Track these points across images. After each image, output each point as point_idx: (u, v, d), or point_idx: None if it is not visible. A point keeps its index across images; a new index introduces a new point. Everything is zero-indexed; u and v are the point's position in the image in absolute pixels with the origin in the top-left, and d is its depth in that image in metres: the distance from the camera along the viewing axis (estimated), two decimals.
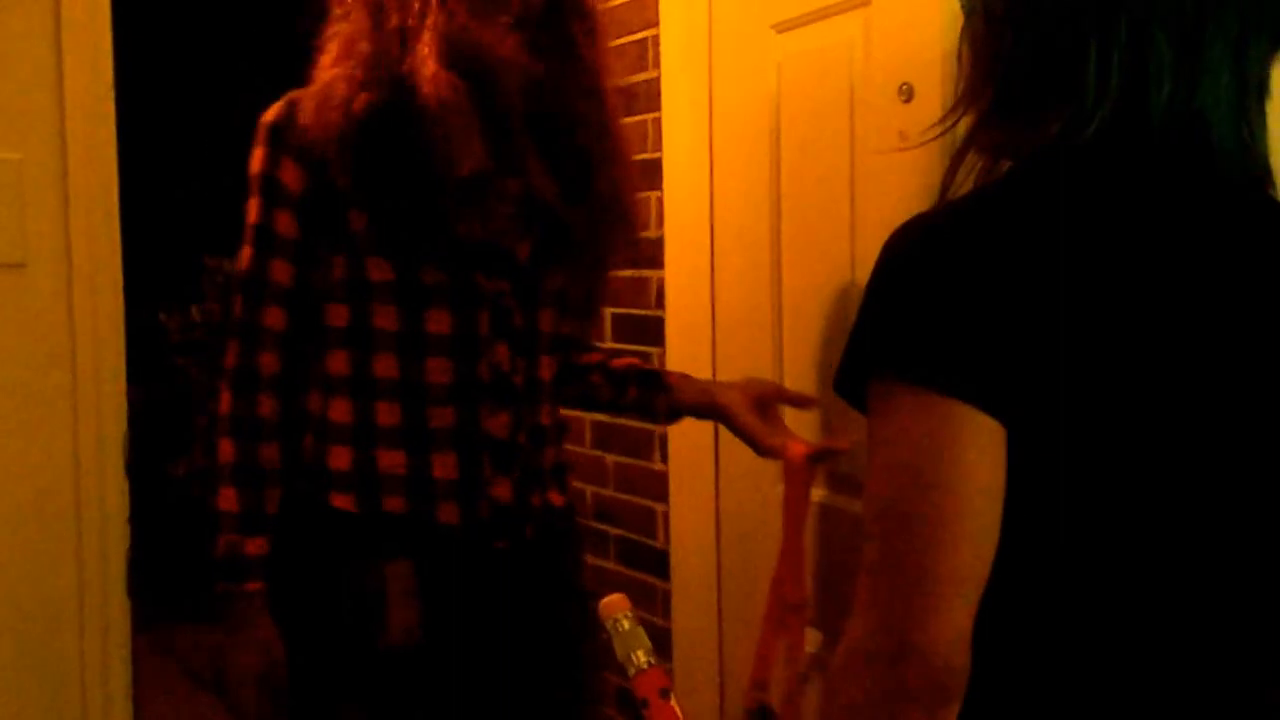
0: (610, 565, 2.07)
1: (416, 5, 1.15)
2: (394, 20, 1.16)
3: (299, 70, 1.27)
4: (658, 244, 1.93)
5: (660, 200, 1.92)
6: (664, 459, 1.93)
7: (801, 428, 1.44)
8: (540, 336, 1.28)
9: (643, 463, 1.99)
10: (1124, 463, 0.67)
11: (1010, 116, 0.73)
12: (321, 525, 1.23)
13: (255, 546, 1.20)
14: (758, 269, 1.67)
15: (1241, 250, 0.70)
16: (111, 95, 1.50)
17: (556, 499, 1.33)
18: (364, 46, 1.17)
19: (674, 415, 1.41)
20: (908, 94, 1.35)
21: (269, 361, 1.21)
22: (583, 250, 1.28)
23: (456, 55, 1.14)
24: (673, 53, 1.86)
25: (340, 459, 1.22)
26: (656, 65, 1.91)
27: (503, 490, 1.24)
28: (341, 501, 1.22)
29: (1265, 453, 0.70)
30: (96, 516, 1.49)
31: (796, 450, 1.25)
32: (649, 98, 1.93)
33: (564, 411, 1.42)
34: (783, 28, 1.59)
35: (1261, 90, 0.71)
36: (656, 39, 1.90)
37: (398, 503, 1.21)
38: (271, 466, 1.21)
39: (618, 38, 1.99)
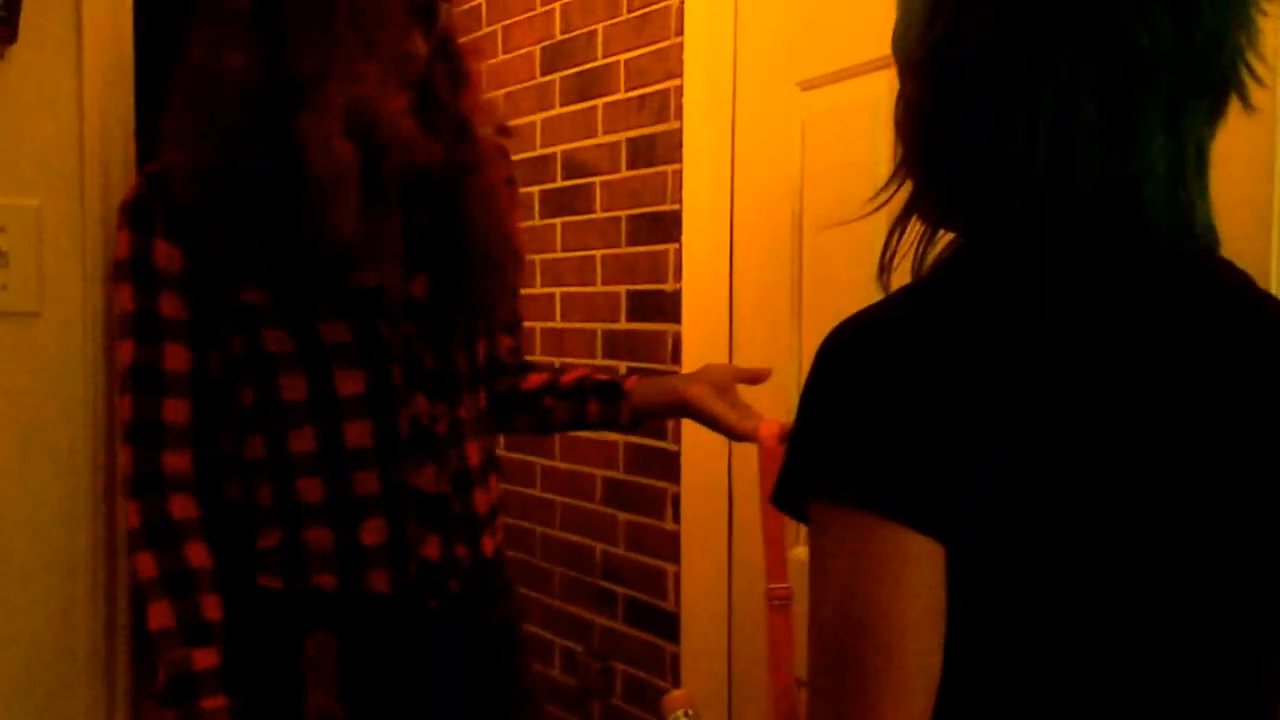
0: (618, 626, 2.03)
1: (319, 55, 1.08)
2: (285, 68, 1.08)
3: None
4: (674, 298, 1.91)
5: (678, 253, 1.90)
6: (676, 518, 1.90)
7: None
8: (459, 376, 1.23)
9: (654, 521, 1.95)
10: (1077, 579, 0.65)
11: (945, 184, 0.71)
12: (244, 602, 1.15)
13: (205, 658, 1.09)
14: (777, 328, 1.64)
15: (1185, 338, 0.67)
16: (132, 142, 1.49)
17: (487, 547, 1.26)
18: (237, 98, 1.09)
19: (638, 421, 1.36)
20: None
21: (176, 460, 1.12)
22: (479, 281, 1.23)
23: (357, 125, 1.08)
24: (695, 105, 1.85)
25: (268, 540, 1.16)
26: (678, 117, 1.90)
27: (431, 548, 1.19)
28: (267, 580, 1.16)
29: (1228, 561, 0.68)
30: (105, 579, 1.46)
31: (769, 431, 1.20)
32: (669, 149, 1.92)
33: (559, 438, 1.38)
34: (808, 85, 1.57)
35: (1200, 157, 0.68)
36: (679, 90, 1.89)
37: (328, 579, 1.15)
38: (202, 567, 1.12)
39: (639, 87, 1.99)
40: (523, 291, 2.21)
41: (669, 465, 1.91)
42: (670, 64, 1.91)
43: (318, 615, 1.15)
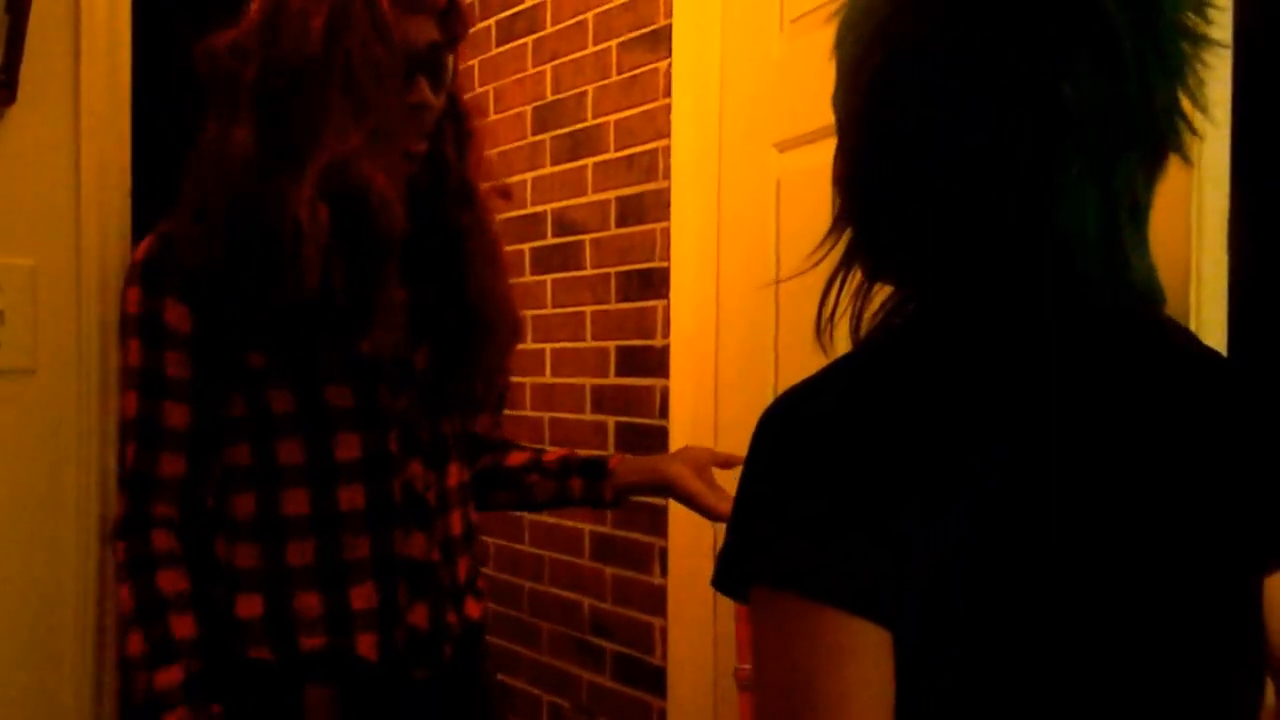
0: (606, 681, 2.03)
1: (309, 120, 1.10)
2: (283, 135, 1.11)
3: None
4: (663, 353, 1.93)
5: (666, 309, 1.93)
6: (664, 573, 1.90)
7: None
8: (447, 445, 1.25)
9: (642, 576, 1.96)
10: (1035, 657, 0.63)
11: (881, 235, 0.70)
12: (238, 678, 1.18)
13: (165, 678, 1.12)
14: (759, 383, 1.66)
15: (1125, 400, 0.66)
16: (128, 203, 1.51)
17: (473, 611, 1.30)
18: (240, 167, 1.12)
19: (620, 498, 1.39)
20: None
21: (164, 509, 1.17)
22: (478, 351, 1.26)
23: (335, 187, 1.10)
24: (683, 165, 1.89)
25: (251, 607, 1.17)
26: (666, 176, 1.94)
27: (419, 616, 1.20)
28: (258, 653, 1.17)
29: (1174, 631, 0.67)
30: (96, 632, 1.46)
31: None
32: (658, 208, 1.96)
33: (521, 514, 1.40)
34: (783, 147, 1.61)
35: (1136, 212, 0.67)
36: (667, 150, 1.94)
37: (316, 642, 1.17)
38: (175, 591, 1.15)
39: (628, 147, 2.03)
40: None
41: (656, 520, 1.92)
42: (658, 124, 1.96)
43: (312, 674, 1.17)
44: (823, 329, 0.72)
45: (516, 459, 1.41)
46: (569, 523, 2.14)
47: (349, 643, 1.17)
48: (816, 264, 0.72)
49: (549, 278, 2.23)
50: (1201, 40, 0.66)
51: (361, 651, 1.17)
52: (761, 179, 1.66)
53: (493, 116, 2.38)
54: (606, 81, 2.08)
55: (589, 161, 2.12)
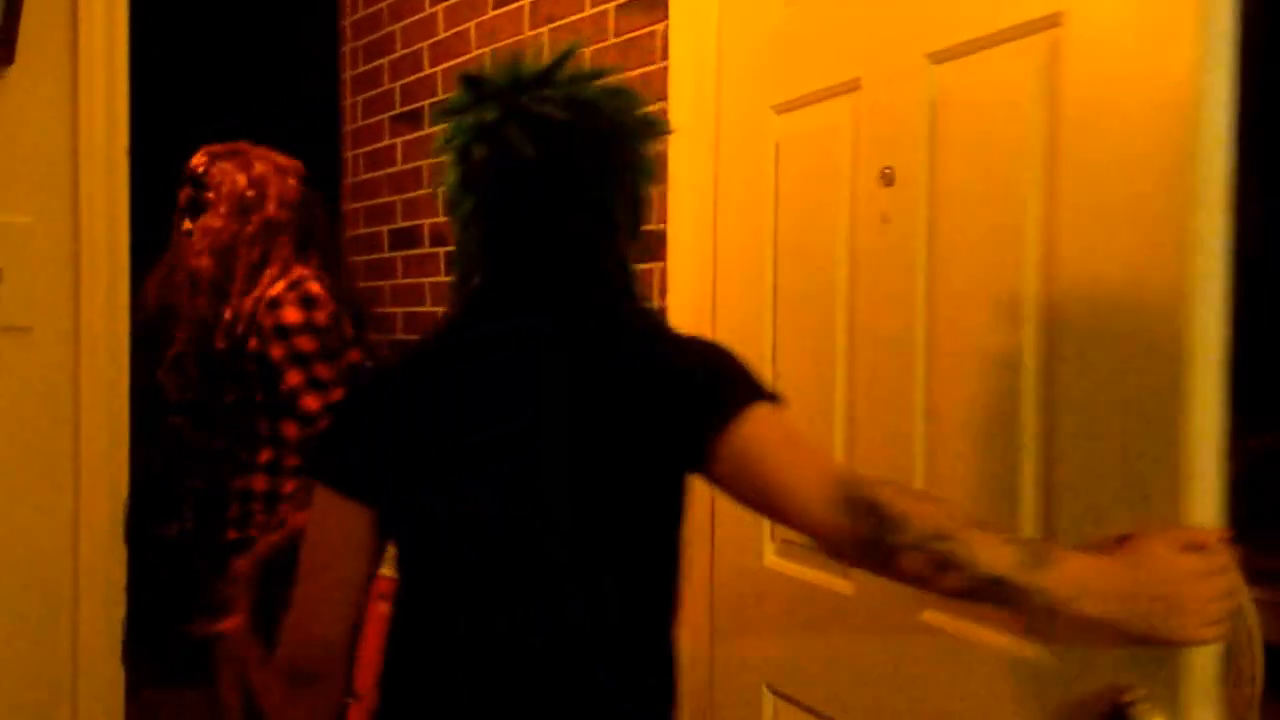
0: None
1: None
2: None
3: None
4: (660, 316, 1.94)
5: (664, 272, 1.93)
6: None
7: None
8: (215, 422, 2.16)
9: None
10: (421, 529, 1.16)
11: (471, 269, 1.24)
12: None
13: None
14: (756, 344, 1.67)
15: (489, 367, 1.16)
16: (126, 160, 1.53)
17: (231, 535, 2.12)
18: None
19: None
20: (889, 178, 1.36)
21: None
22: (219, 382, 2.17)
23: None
24: (680, 128, 1.86)
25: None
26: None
27: (189, 521, 2.22)
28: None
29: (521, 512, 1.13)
30: (93, 585, 1.49)
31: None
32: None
33: None
34: (781, 109, 1.61)
35: (609, 272, 1.22)
36: (664, 113, 1.93)
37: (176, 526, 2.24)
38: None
39: None
40: None
41: None
42: (656, 87, 1.95)
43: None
44: None
45: None
46: None
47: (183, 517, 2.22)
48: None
49: None
50: (647, 132, 1.24)
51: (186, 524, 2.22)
52: (760, 141, 1.66)
53: None
54: (603, 44, 2.07)
55: None
